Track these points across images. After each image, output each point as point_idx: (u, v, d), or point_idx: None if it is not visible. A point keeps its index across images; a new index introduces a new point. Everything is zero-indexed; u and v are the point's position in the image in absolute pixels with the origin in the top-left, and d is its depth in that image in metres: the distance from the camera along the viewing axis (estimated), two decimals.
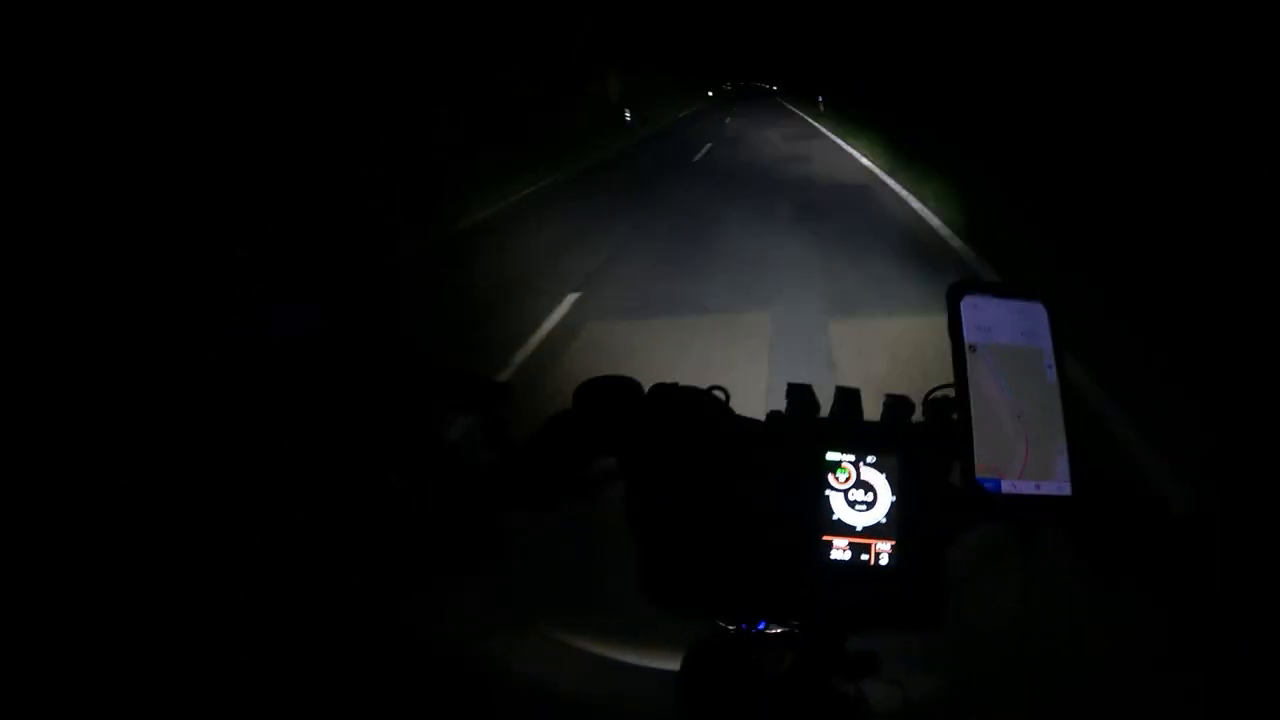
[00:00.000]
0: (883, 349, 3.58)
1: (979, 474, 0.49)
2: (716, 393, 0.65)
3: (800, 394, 0.65)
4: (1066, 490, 0.50)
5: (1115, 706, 1.26)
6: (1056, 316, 0.53)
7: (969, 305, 0.52)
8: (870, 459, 0.60)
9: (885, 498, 0.60)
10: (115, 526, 1.53)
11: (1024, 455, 0.50)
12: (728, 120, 21.56)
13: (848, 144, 13.46)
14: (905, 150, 10.14)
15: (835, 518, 0.60)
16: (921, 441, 0.62)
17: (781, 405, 0.65)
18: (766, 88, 60.11)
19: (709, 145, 13.74)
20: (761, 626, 0.62)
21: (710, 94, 47.12)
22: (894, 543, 0.59)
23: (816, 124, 19.22)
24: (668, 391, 0.63)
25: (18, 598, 1.26)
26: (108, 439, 1.94)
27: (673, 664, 0.64)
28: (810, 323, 3.97)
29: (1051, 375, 0.52)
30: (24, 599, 1.26)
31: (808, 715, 0.60)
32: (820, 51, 33.92)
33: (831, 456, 0.60)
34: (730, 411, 0.64)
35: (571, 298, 4.50)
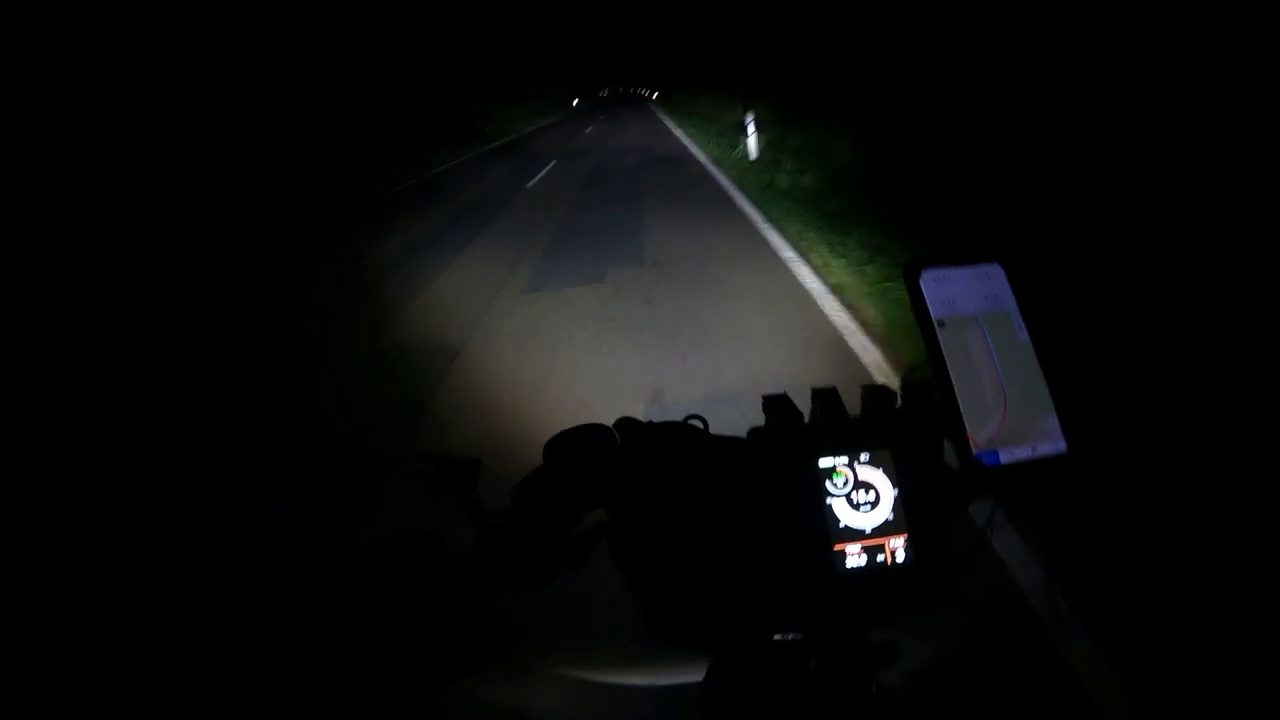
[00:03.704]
0: None
1: (975, 450, 0.49)
2: (694, 422, 0.62)
3: (777, 404, 0.62)
4: (1063, 448, 0.51)
5: (1126, 657, 1.35)
6: (1015, 274, 0.53)
7: (928, 280, 0.52)
8: (864, 457, 0.58)
9: (888, 493, 0.57)
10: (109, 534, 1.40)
11: (1014, 422, 0.50)
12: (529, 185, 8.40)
13: None
14: None
15: (842, 525, 0.57)
16: (910, 428, 0.60)
17: (759, 420, 0.62)
18: (645, 95, 48.55)
19: None
20: (778, 637, 0.59)
21: (575, 103, 36.41)
22: (906, 536, 0.57)
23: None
24: (641, 430, 0.61)
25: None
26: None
27: (694, 678, 0.59)
28: None
29: (1023, 334, 0.53)
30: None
31: (835, 713, 0.56)
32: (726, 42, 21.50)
33: (824, 463, 0.58)
34: (711, 437, 0.62)
35: None
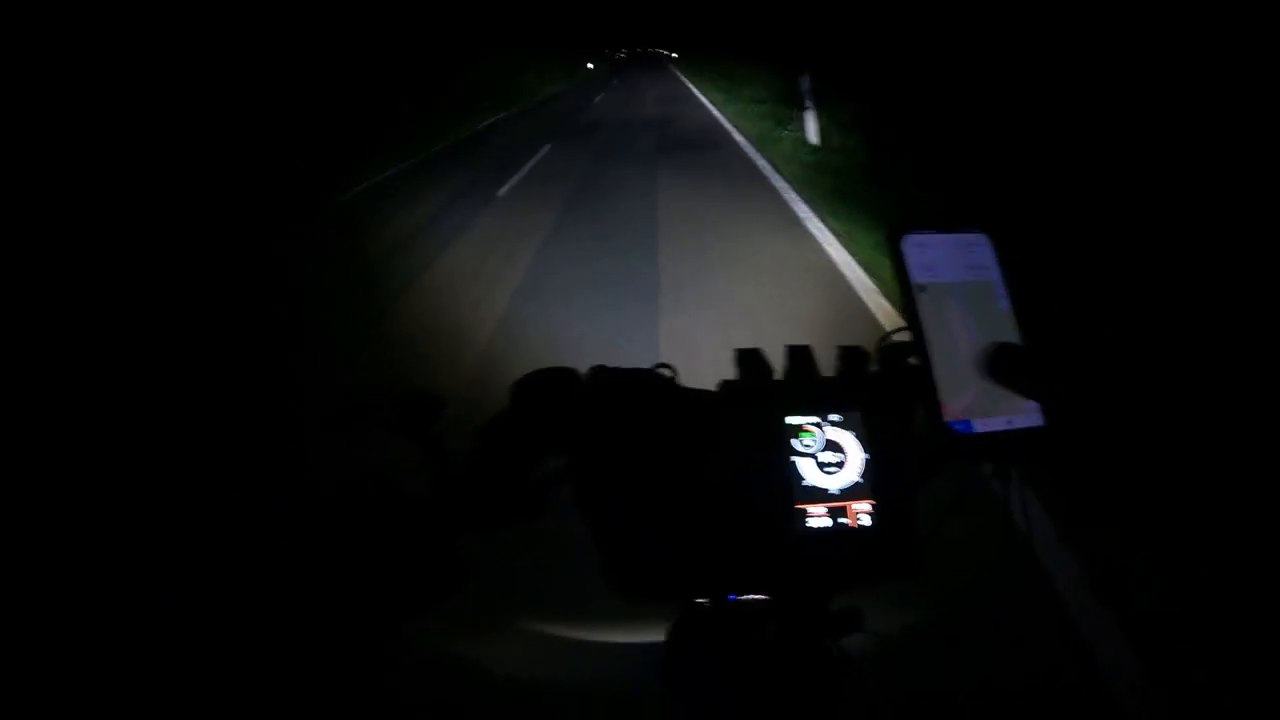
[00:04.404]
0: None
1: (948, 417, 0.48)
2: (662, 370, 0.60)
3: (750, 359, 0.61)
4: (1038, 421, 0.50)
5: (1093, 634, 1.34)
6: (1000, 244, 0.52)
7: (911, 245, 0.51)
8: (834, 418, 0.57)
9: (856, 456, 0.56)
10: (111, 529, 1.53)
11: (990, 392, 0.49)
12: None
13: None
14: None
15: (807, 484, 0.55)
16: (883, 392, 0.58)
17: (730, 373, 0.60)
18: (665, 54, 44.96)
19: None
20: (733, 598, 0.58)
21: (590, 66, 35.87)
22: (873, 502, 0.56)
23: None
24: (609, 376, 0.59)
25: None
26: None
27: (655, 637, 0.59)
28: None
29: (1005, 305, 0.51)
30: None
31: (795, 678, 0.56)
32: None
33: (793, 420, 0.56)
34: (678, 387, 0.60)
35: None
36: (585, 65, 36.38)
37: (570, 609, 1.13)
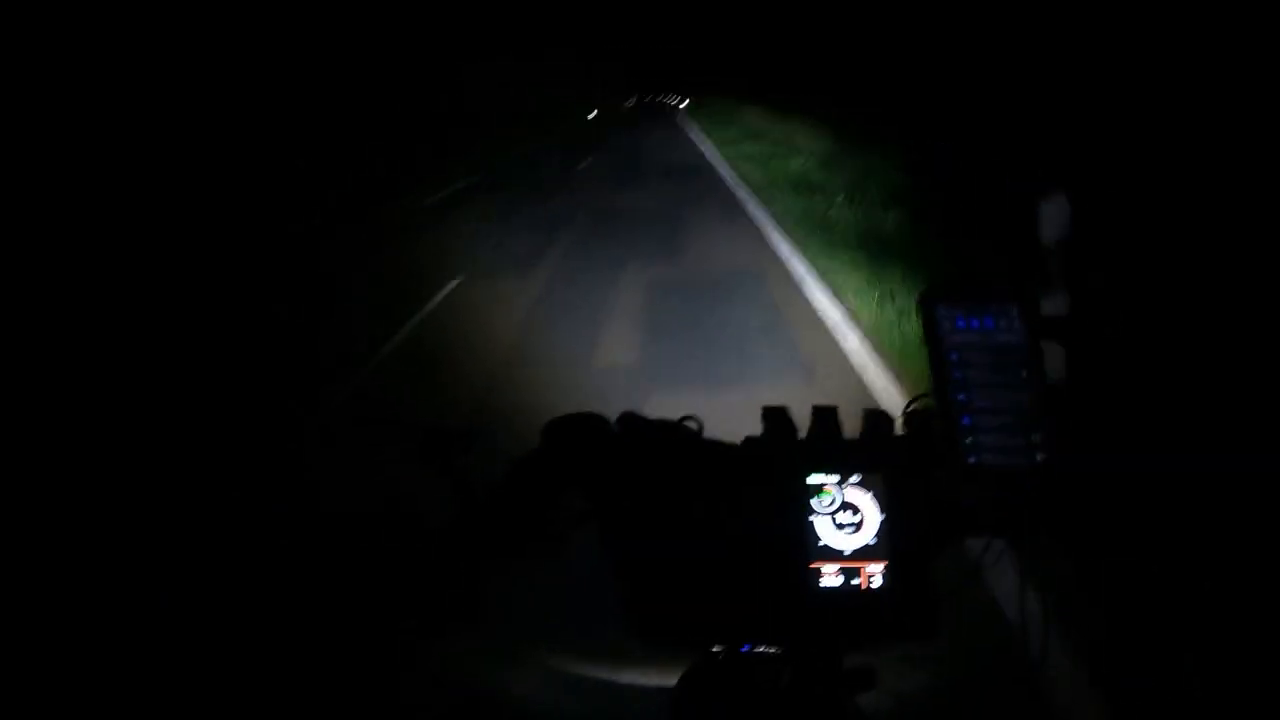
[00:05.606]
0: None
1: (969, 455, 0.51)
2: (689, 423, 0.62)
3: (775, 416, 0.63)
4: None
5: (1105, 697, 1.33)
6: (1030, 312, 0.54)
7: (943, 313, 0.53)
8: (854, 479, 0.58)
9: (873, 518, 0.57)
10: (119, 533, 1.52)
11: (1009, 444, 0.52)
12: None
13: None
14: None
15: (822, 543, 0.57)
16: (905, 456, 0.60)
17: (756, 429, 0.63)
18: (673, 104, 41.26)
19: None
20: (748, 648, 0.59)
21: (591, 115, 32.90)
22: (886, 564, 0.57)
23: None
24: (638, 424, 0.61)
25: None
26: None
27: (670, 682, 0.60)
28: None
29: (1027, 371, 0.53)
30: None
31: None
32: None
33: (813, 480, 0.58)
34: (704, 441, 0.62)
35: None
36: (586, 117, 32.72)
37: (590, 647, 1.15)
